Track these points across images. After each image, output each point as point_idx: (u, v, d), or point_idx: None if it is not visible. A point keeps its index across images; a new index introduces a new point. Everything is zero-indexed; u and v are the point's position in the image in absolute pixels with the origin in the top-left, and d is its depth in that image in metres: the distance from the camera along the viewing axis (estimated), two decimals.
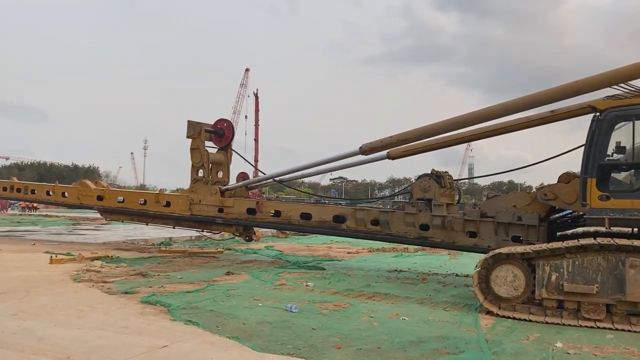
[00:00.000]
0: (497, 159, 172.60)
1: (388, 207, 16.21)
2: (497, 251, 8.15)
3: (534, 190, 10.93)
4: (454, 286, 10.57)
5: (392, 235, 11.25)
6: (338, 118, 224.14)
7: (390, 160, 11.52)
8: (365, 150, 11.19)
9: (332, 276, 11.22)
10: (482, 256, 8.32)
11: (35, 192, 19.25)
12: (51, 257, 12.83)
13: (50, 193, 18.58)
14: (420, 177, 11.05)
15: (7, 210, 48.97)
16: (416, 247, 16.45)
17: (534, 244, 8.24)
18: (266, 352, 5.57)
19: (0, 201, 46.65)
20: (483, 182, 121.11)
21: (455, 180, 11.67)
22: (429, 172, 10.99)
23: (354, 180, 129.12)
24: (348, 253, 16.54)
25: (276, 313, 7.43)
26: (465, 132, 10.53)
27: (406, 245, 16.23)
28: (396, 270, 12.59)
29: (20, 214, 44.63)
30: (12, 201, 44.76)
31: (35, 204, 42.87)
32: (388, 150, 11.15)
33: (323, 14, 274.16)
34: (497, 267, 8.01)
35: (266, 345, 5.80)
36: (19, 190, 19.57)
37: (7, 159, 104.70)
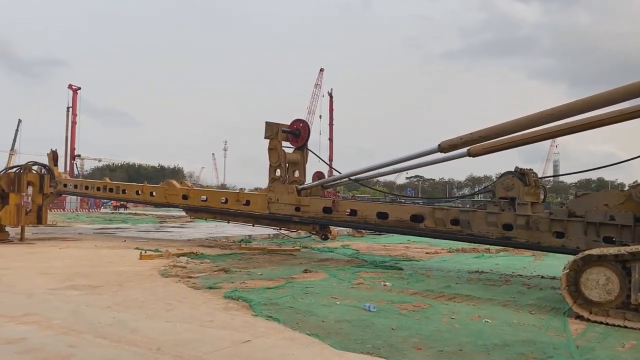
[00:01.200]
0: (585, 156, 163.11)
1: (468, 206, 15.77)
2: (587, 252, 7.70)
3: (627, 188, 10.22)
4: (539, 288, 10.10)
5: (473, 235, 10.93)
6: (414, 115, 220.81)
7: (471, 158, 11.17)
8: (445, 147, 10.92)
9: (411, 276, 11.06)
10: (571, 258, 7.89)
11: (126, 191, 20.46)
12: (141, 253, 13.60)
13: (139, 192, 19.69)
14: (502, 175, 10.66)
15: (100, 209, 52.38)
16: (498, 247, 15.88)
17: (628, 245, 7.70)
18: (346, 350, 5.58)
19: (95, 200, 49.99)
20: (570, 180, 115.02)
21: (540, 178, 11.16)
22: (512, 169, 10.58)
23: (431, 179, 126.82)
24: (426, 253, 16.25)
25: (354, 312, 7.44)
26: (550, 128, 10.01)
27: (487, 246, 15.73)
28: (477, 272, 12.22)
29: (112, 212, 47.62)
30: (104, 200, 47.85)
31: (125, 203, 45.61)
32: (468, 148, 10.82)
33: (397, 9, 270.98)
34: (588, 269, 7.57)
35: (346, 343, 5.82)
36: (111, 190, 20.88)
37: (100, 160, 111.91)
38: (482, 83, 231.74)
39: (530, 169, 10.74)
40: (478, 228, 10.75)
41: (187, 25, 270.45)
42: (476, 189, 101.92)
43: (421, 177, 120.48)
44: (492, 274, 12.01)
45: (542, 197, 10.87)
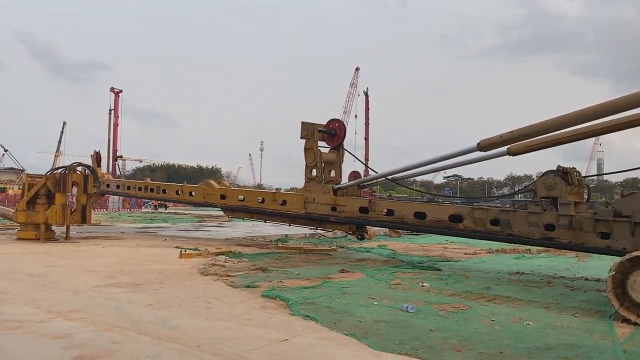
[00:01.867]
0: (631, 153, 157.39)
1: (507, 206, 15.43)
2: (635, 254, 7.42)
3: None
4: (583, 291, 9.80)
5: (514, 235, 10.70)
6: (451, 114, 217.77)
7: (511, 156, 10.93)
8: (484, 146, 10.72)
9: (449, 277, 10.91)
10: (617, 259, 7.62)
11: (166, 191, 20.90)
12: (181, 252, 13.86)
13: (179, 192, 20.09)
14: (544, 174, 10.39)
15: (141, 209, 53.66)
16: (539, 248, 15.49)
17: None
18: (384, 350, 5.55)
19: (136, 200, 51.24)
20: (614, 178, 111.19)
21: (583, 177, 10.85)
22: (554, 168, 10.31)
23: (469, 178, 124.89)
24: (465, 254, 16.00)
25: (392, 312, 7.39)
26: (593, 125, 9.69)
27: (528, 247, 15.37)
28: (518, 273, 11.95)
29: (153, 212, 48.71)
30: (145, 200, 49.00)
31: (165, 203, 46.59)
32: (508, 146, 10.59)
33: (434, 6, 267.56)
34: (636, 271, 7.30)
35: (383, 344, 5.78)
36: (152, 190, 21.37)
37: (140, 161, 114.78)
38: (521, 80, 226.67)
39: (573, 168, 10.45)
40: (519, 228, 10.51)
41: (225, 27, 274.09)
42: (516, 189, 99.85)
43: (459, 176, 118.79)
44: (533, 275, 11.73)
45: (585, 196, 10.57)
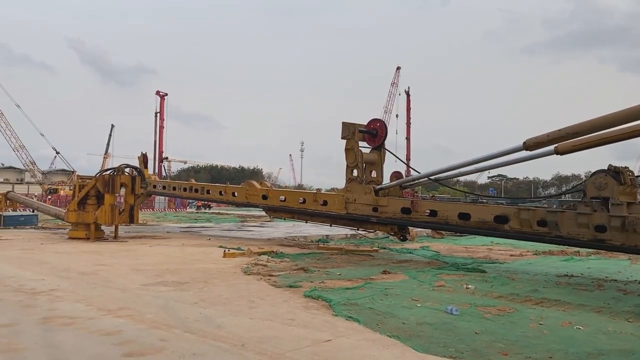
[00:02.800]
0: None
1: (555, 206, 14.97)
2: None
3: None
4: (637, 294, 9.41)
5: (562, 237, 10.38)
6: (495, 113, 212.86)
7: (559, 155, 10.61)
8: (530, 145, 10.45)
9: (495, 279, 10.68)
10: None
11: (210, 192, 21.30)
12: (224, 251, 14.11)
13: (222, 193, 20.46)
14: (594, 173, 10.04)
15: (186, 209, 54.84)
16: (589, 250, 14.96)
17: None
18: (428, 353, 5.48)
19: (181, 201, 52.41)
20: None
21: (637, 176, 10.42)
22: (604, 167, 9.94)
23: (514, 178, 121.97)
24: (511, 255, 15.63)
25: (436, 314, 7.29)
26: None
27: (577, 249, 14.88)
28: (566, 275, 11.58)
29: (197, 212, 49.71)
30: (190, 200, 50.06)
31: (209, 203, 47.46)
32: (556, 145, 10.29)
33: (477, 3, 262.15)
34: None
35: (427, 346, 5.71)
36: (196, 190, 21.84)
37: (185, 162, 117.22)
38: (568, 76, 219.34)
39: (625, 167, 10.07)
40: (567, 230, 10.20)
41: (266, 28, 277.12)
42: (564, 189, 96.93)
43: (504, 176, 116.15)
44: (583, 278, 11.34)
45: (639, 197, 10.14)
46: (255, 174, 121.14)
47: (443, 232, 21.07)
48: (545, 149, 10.61)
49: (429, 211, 13.09)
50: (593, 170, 10.33)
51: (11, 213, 26.04)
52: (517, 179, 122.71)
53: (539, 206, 12.32)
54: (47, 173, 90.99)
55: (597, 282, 10.69)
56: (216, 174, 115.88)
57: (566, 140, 10.09)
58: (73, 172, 78.47)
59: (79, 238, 18.13)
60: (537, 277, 11.26)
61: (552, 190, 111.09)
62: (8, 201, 27.03)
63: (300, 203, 17.12)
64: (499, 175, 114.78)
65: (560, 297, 8.83)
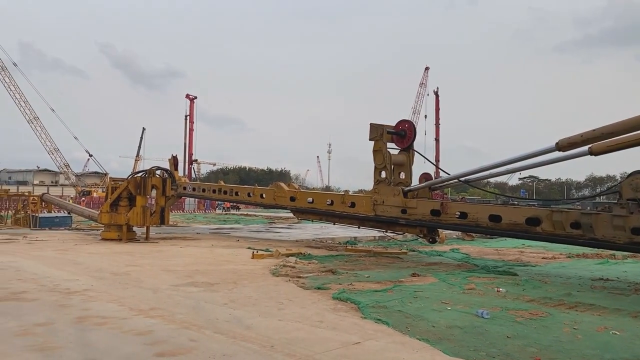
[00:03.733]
0: None
1: (589, 208, 14.61)
2: None
3: None
4: None
5: (597, 240, 10.12)
6: (526, 112, 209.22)
7: (593, 156, 10.35)
8: (563, 146, 10.22)
9: (526, 282, 10.47)
10: None
11: (239, 194, 21.49)
12: (253, 252, 14.20)
13: (251, 194, 20.62)
14: (631, 174, 9.77)
15: (215, 210, 55.44)
16: (625, 253, 14.54)
17: None
18: (458, 357, 5.41)
19: (210, 202, 53.01)
20: None
21: None
22: None
23: (546, 179, 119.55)
24: (543, 258, 15.32)
25: (466, 318, 7.19)
26: None
27: (612, 252, 14.48)
28: (602, 279, 11.28)
29: (225, 214, 50.18)
30: (219, 202, 50.55)
31: (237, 204, 47.87)
32: (590, 146, 10.04)
33: (505, 1, 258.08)
34: None
35: (458, 350, 5.64)
36: (225, 192, 22.07)
37: (214, 164, 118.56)
38: (602, 75, 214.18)
39: None
40: (602, 232, 9.94)
41: (293, 30, 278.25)
42: (598, 190, 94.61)
43: (535, 177, 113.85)
44: (619, 282, 11.04)
45: None
46: (283, 175, 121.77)
47: (473, 234, 20.79)
48: (578, 149, 10.36)
49: (459, 213, 12.92)
50: (628, 171, 10.05)
51: (46, 214, 26.74)
52: (549, 180, 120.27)
53: (573, 208, 12.03)
54: (81, 175, 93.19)
55: (634, 286, 10.38)
56: (244, 175, 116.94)
57: (601, 140, 9.84)
58: (105, 174, 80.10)
59: (111, 239, 18.50)
60: (571, 281, 11.01)
61: (586, 192, 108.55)
62: (43, 203, 27.80)
63: (328, 205, 17.11)
64: (530, 177, 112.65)
65: (595, 302, 8.61)
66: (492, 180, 72.88)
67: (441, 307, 7.84)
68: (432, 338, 6.07)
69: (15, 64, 68.14)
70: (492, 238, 20.88)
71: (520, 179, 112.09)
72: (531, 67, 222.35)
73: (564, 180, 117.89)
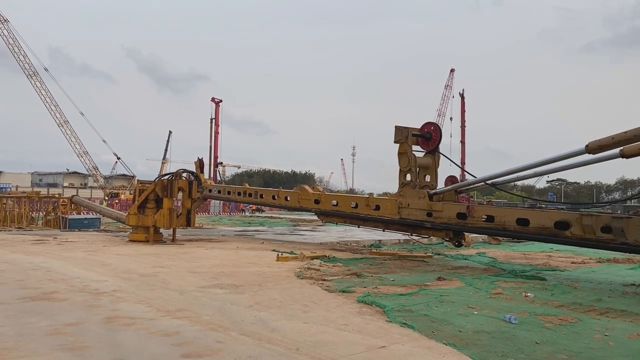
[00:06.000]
0: None
1: (619, 212, 14.26)
2: None
3: None
4: None
5: (629, 244, 9.88)
6: (553, 114, 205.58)
7: (624, 159, 10.11)
8: (593, 148, 10.01)
9: (555, 287, 10.27)
10: None
11: (263, 196, 21.60)
12: (277, 255, 14.25)
13: (275, 197, 20.71)
14: None
15: (241, 213, 55.85)
16: None
17: None
18: None
19: (235, 204, 53.45)
20: None
21: None
22: None
23: (575, 182, 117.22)
24: (572, 263, 15.01)
25: (493, 323, 7.08)
26: None
27: None
28: (633, 285, 10.99)
29: (250, 216, 50.52)
30: (245, 204, 50.92)
31: (262, 207, 48.18)
32: (621, 148, 9.80)
33: (531, 1, 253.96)
34: None
35: (485, 355, 5.55)
36: (250, 195, 22.21)
37: (239, 167, 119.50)
38: (633, 75, 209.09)
39: None
40: (634, 237, 9.70)
41: (316, 32, 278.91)
42: (629, 193, 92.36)
43: (564, 180, 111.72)
44: None
45: None
46: (307, 178, 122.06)
47: (500, 238, 20.50)
48: (609, 152, 10.13)
49: (485, 216, 12.76)
50: None
51: (76, 216, 27.31)
52: (578, 183, 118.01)
53: (603, 212, 11.76)
54: (109, 178, 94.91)
55: None
56: (269, 178, 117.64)
57: (633, 142, 9.60)
58: (133, 176, 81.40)
59: (138, 241, 18.79)
60: (602, 286, 10.76)
61: (616, 195, 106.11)
62: (73, 205, 28.40)
63: (352, 207, 17.08)
64: (558, 179, 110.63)
65: (627, 308, 8.39)
66: (519, 183, 71.89)
67: (468, 312, 7.74)
68: (458, 343, 6.00)
69: (46, 69, 69.71)
70: (519, 242, 20.56)
71: (548, 182, 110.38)
72: (559, 67, 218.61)
73: (593, 183, 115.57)
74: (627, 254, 12.63)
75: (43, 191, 51.70)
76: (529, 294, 9.31)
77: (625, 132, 9.50)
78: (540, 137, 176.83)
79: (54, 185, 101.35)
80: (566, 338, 6.38)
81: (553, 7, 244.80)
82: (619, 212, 13.89)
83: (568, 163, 11.51)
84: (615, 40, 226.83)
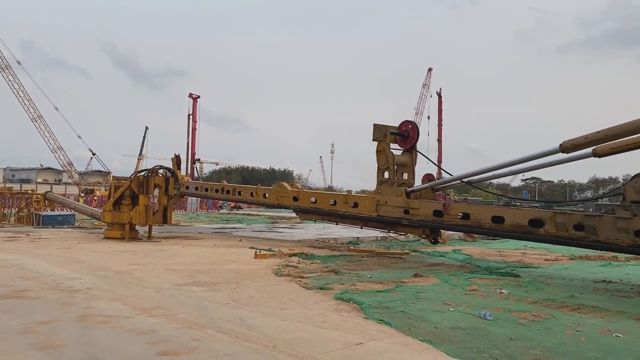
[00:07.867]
0: None
1: (591, 210, 14.59)
2: None
3: None
4: None
5: (600, 242, 10.09)
6: (528, 114, 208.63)
7: (596, 158, 10.32)
8: (567, 147, 10.20)
9: (529, 284, 10.45)
10: None
11: (241, 193, 21.49)
12: (255, 252, 14.20)
13: (254, 194, 20.61)
14: (635, 176, 9.74)
15: (219, 210, 55.47)
16: (628, 255, 14.53)
17: None
18: (461, 358, 5.40)
19: (213, 201, 53.05)
20: None
21: None
22: None
23: (549, 181, 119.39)
24: (545, 260, 15.28)
25: (469, 319, 7.18)
26: None
27: (615, 254, 14.45)
28: (604, 281, 11.25)
29: (228, 213, 50.22)
30: (222, 202, 50.59)
31: (240, 204, 47.91)
32: (594, 147, 10.01)
33: (507, 2, 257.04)
34: None
35: (461, 351, 5.63)
36: (228, 192, 22.06)
37: (217, 164, 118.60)
38: (605, 77, 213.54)
39: None
40: (605, 234, 9.91)
41: (295, 31, 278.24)
42: (600, 192, 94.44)
43: (538, 179, 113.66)
44: (622, 284, 11.01)
45: None
46: (286, 175, 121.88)
47: (475, 235, 20.76)
48: (582, 151, 10.34)
49: (461, 214, 12.91)
50: (632, 174, 10.02)
51: (49, 213, 26.81)
52: (552, 181, 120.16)
53: (577, 210, 12.00)
54: (84, 174, 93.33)
55: (636, 289, 10.36)
56: (247, 175, 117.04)
57: (605, 142, 9.81)
58: (108, 173, 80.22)
59: (114, 238, 18.54)
60: (574, 283, 10.99)
61: (589, 194, 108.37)
62: (47, 201, 27.87)
63: (331, 205, 17.11)
64: (532, 178, 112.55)
65: (598, 304, 8.59)
66: (494, 181, 72.90)
67: (444, 308, 7.83)
68: (434, 339, 6.06)
69: (19, 62, 68.45)
70: (494, 239, 20.84)
71: (522, 180, 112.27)
72: (534, 68, 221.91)
73: (566, 182, 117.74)
74: (599, 251, 12.88)
75: (16, 187, 50.59)
76: (503, 291, 9.46)
77: (598, 132, 9.70)
78: (517, 137, 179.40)
79: (27, 181, 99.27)
80: (539, 334, 6.51)
81: (528, 8, 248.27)
82: (591, 210, 14.15)
83: (542, 162, 11.71)
84: (588, 42, 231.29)
